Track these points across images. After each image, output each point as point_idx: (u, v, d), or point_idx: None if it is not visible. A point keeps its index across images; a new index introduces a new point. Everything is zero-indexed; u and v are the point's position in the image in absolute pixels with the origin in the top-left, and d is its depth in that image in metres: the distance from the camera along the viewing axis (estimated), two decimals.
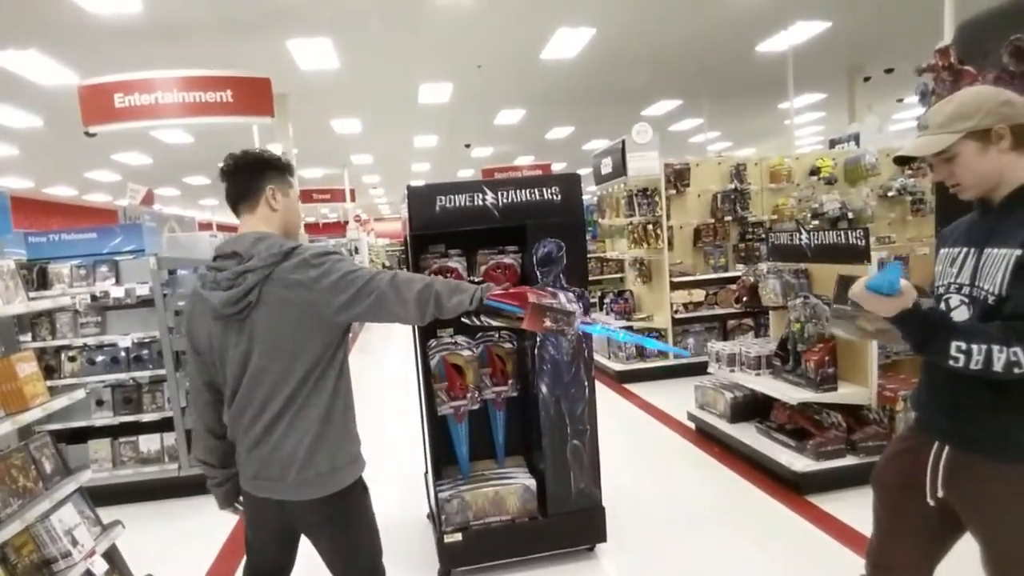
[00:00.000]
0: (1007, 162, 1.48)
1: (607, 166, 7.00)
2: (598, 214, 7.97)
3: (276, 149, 10.44)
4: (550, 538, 2.93)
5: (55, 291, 3.98)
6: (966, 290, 1.53)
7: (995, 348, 1.35)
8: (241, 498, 1.88)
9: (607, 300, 7.09)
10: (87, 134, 6.14)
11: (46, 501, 2.27)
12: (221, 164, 1.78)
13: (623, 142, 6.45)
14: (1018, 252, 1.41)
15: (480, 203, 2.75)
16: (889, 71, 10.73)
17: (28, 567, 2.16)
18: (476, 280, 2.87)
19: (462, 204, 2.74)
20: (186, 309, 1.83)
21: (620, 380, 6.26)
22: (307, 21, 6.91)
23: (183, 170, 16.11)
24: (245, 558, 1.95)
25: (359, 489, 1.80)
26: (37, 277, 4.04)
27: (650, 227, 6.26)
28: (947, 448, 1.57)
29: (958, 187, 1.55)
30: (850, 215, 5.83)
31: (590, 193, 7.90)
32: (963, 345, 1.38)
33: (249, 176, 1.76)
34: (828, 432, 3.52)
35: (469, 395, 2.91)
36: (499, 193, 2.76)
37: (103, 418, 4.09)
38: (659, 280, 6.36)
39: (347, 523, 1.80)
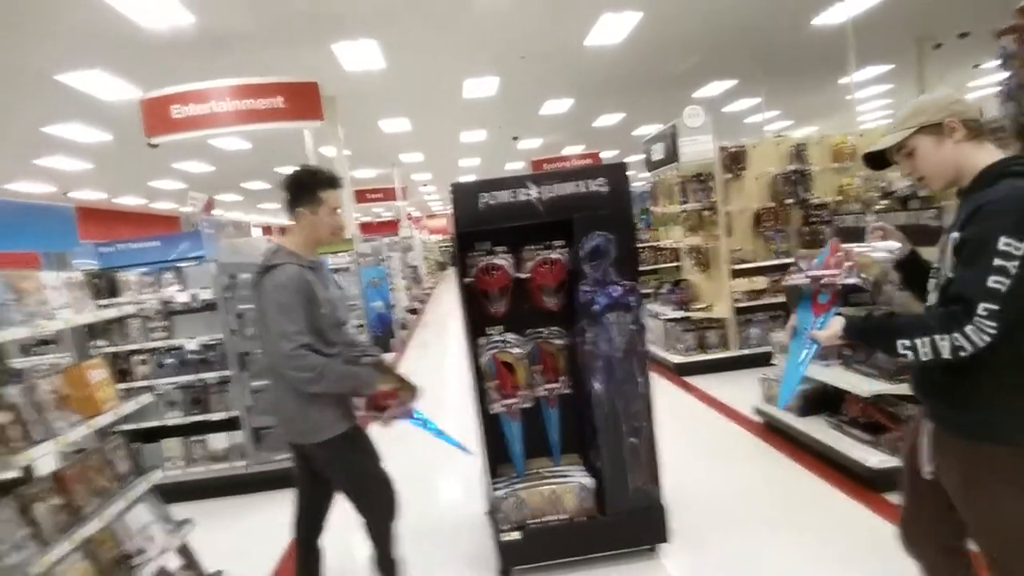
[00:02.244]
0: (963, 152, 1.55)
1: (658, 152, 6.81)
2: (651, 202, 7.77)
3: (329, 152, 10.67)
4: (609, 538, 2.87)
5: (124, 298, 4.18)
6: (937, 275, 1.62)
7: (937, 338, 1.43)
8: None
9: (663, 291, 6.90)
10: (150, 145, 6.43)
11: (122, 500, 2.38)
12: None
13: (674, 126, 6.24)
14: (955, 235, 1.49)
15: (524, 198, 2.70)
16: (963, 35, 9.99)
17: (109, 563, 2.28)
18: (521, 277, 2.85)
19: (506, 200, 2.70)
20: None
21: (679, 373, 6.09)
22: (351, 24, 6.99)
23: (242, 176, 16.73)
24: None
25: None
26: (107, 285, 4.25)
27: (706, 213, 6.04)
28: (930, 423, 1.66)
29: (923, 180, 1.63)
30: (921, 193, 5.45)
31: (643, 180, 7.70)
32: (907, 342, 1.47)
33: (287, 196, 2.33)
34: (905, 425, 3.31)
35: (521, 393, 2.87)
36: (543, 187, 2.70)
37: (174, 418, 4.28)
38: (717, 268, 6.13)
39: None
